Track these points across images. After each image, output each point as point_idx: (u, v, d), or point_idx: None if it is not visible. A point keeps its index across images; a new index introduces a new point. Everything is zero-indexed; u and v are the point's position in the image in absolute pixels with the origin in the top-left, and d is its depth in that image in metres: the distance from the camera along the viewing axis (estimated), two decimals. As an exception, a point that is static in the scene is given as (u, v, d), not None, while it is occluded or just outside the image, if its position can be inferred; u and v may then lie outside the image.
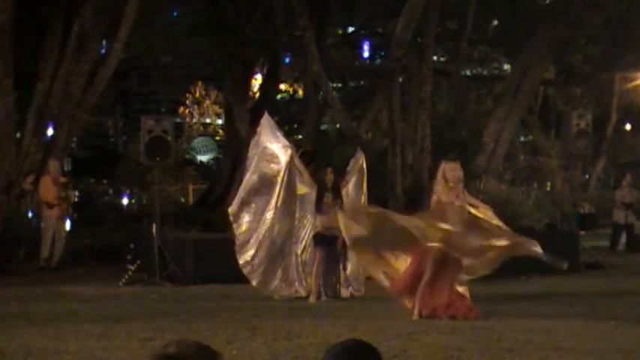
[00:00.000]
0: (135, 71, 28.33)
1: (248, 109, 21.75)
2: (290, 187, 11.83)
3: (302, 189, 11.97)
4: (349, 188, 12.27)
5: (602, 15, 20.41)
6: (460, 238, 9.98)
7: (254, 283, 11.78)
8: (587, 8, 19.68)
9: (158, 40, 22.27)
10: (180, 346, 2.28)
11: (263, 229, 11.88)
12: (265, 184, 11.94)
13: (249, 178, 12.05)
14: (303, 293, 11.83)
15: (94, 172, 32.25)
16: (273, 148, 11.95)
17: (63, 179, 16.62)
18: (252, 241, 11.89)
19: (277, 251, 11.89)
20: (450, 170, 10.20)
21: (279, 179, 11.80)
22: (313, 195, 11.83)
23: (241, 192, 12.07)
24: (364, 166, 12.52)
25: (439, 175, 10.27)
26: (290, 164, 11.80)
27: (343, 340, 2.56)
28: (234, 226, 12.01)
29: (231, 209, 12.07)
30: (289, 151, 11.82)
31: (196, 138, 47.55)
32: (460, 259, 10.02)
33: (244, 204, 11.98)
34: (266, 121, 12.20)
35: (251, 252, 11.84)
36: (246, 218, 11.96)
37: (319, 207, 11.70)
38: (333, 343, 2.56)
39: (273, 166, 11.92)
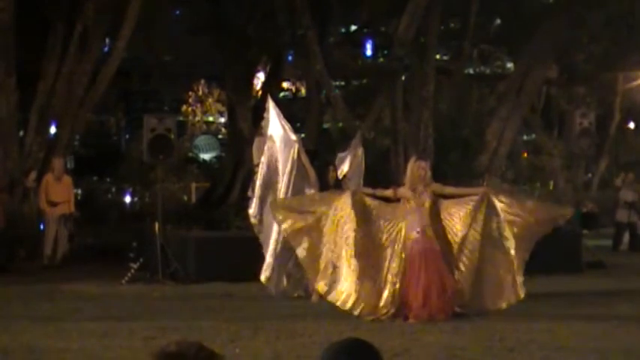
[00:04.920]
0: (137, 70, 28.23)
1: (250, 107, 21.73)
2: (295, 184, 11.66)
3: (306, 188, 11.85)
4: (348, 187, 12.17)
5: (605, 14, 20.41)
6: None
7: (262, 278, 11.54)
8: (589, 7, 19.67)
9: (160, 38, 22.24)
10: (181, 346, 2.30)
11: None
12: (275, 178, 11.74)
13: (265, 174, 11.72)
14: (304, 292, 11.77)
15: (96, 171, 32.15)
16: (278, 140, 11.72)
17: (67, 178, 16.56)
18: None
19: (281, 249, 11.80)
20: (416, 168, 10.05)
21: (286, 175, 11.59)
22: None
23: (258, 190, 11.73)
24: (360, 159, 12.42)
25: (408, 170, 10.17)
26: (297, 161, 11.58)
27: (342, 339, 2.56)
28: (258, 227, 11.76)
29: (252, 211, 11.79)
30: (296, 146, 11.57)
31: (199, 136, 47.47)
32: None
33: (263, 202, 11.72)
34: (272, 109, 11.89)
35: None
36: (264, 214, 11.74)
37: (322, 205, 11.62)
38: (332, 342, 2.56)
39: (280, 158, 11.69)
